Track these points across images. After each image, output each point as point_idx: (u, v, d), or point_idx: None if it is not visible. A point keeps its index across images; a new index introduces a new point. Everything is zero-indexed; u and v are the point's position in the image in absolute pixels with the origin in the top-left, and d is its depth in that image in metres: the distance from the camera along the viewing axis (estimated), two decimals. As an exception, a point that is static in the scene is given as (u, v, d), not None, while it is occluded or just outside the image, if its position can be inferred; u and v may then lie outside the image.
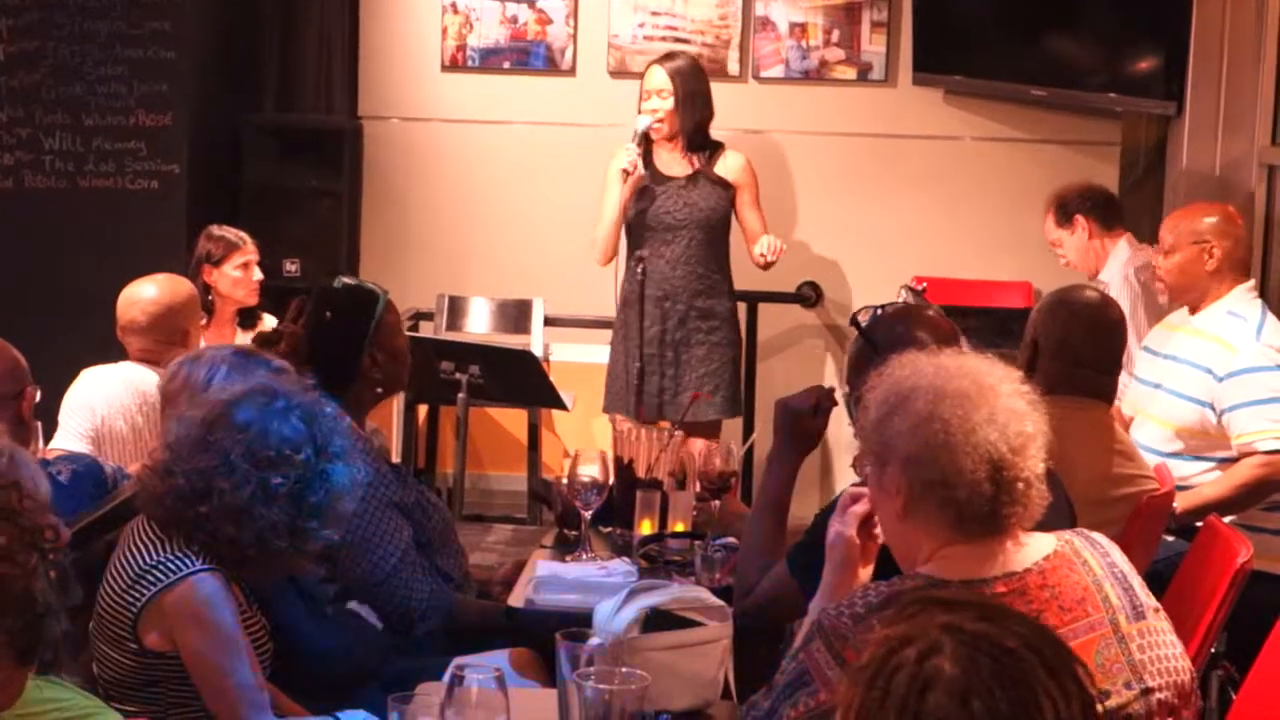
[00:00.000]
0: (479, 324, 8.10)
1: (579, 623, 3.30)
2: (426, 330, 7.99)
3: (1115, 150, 7.97)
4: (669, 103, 6.74)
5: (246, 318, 6.44)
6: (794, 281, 7.84)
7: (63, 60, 7.66)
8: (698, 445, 5.21)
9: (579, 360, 7.80)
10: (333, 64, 8.34)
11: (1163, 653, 2.69)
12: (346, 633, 3.97)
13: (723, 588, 4.00)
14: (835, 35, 8.14)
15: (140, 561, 3.37)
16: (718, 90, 6.94)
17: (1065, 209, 6.69)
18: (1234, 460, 5.22)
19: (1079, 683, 1.90)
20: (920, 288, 7.06)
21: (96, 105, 7.68)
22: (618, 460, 4.85)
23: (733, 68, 8.02)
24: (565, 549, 4.60)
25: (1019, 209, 7.74)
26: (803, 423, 3.96)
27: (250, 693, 3.34)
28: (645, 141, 6.80)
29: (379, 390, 4.49)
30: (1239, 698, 3.78)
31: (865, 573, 2.96)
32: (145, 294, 5.59)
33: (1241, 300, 5.40)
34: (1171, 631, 2.74)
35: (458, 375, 6.34)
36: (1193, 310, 5.48)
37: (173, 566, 3.34)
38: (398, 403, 7.51)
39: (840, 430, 7.29)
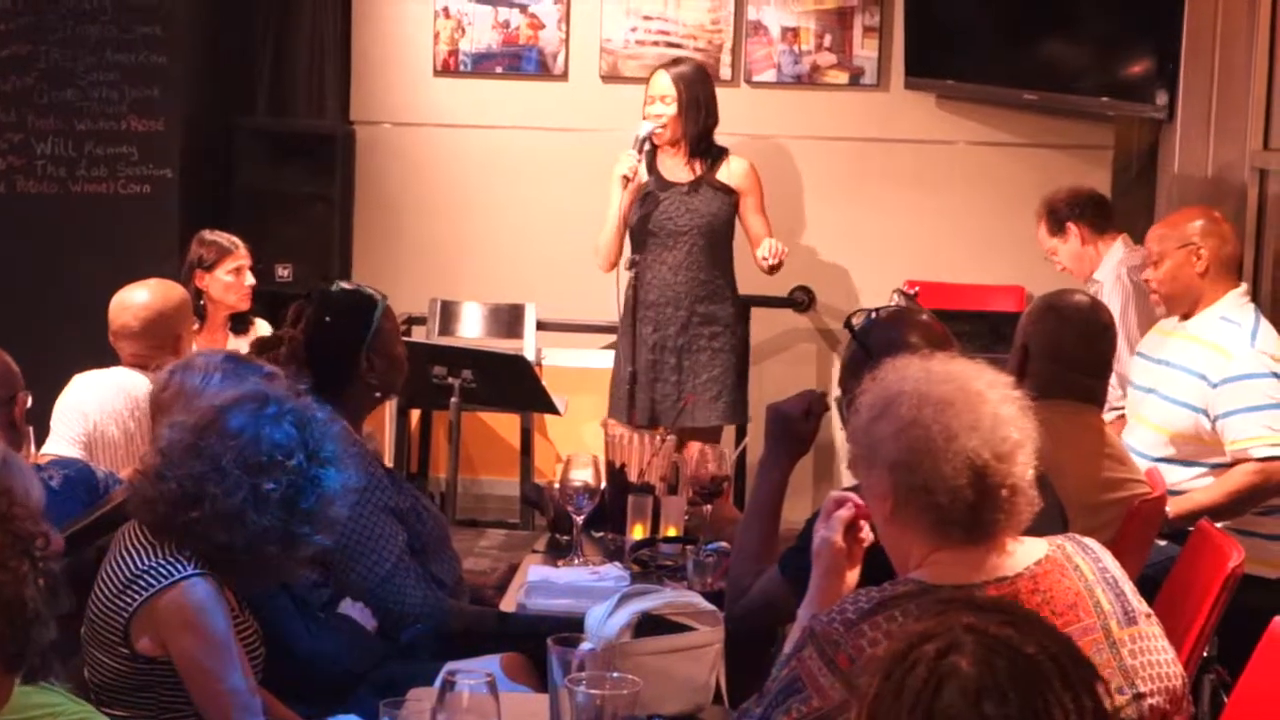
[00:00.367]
0: (471, 329, 8.10)
1: (571, 628, 3.30)
2: (419, 335, 7.99)
3: (1108, 154, 7.98)
4: (672, 108, 6.74)
5: (239, 323, 6.43)
6: (786, 286, 7.84)
7: (54, 65, 7.65)
8: (695, 450, 5.21)
9: (571, 365, 7.80)
10: (325, 68, 8.33)
11: (1154, 658, 2.70)
12: (339, 637, 3.97)
13: (715, 592, 4.00)
14: (827, 40, 8.15)
15: (132, 566, 3.37)
16: (709, 95, 6.94)
17: (1056, 217, 6.69)
18: (1226, 466, 5.22)
19: (1096, 699, 1.90)
20: (913, 292, 7.07)
21: (88, 110, 7.68)
22: (610, 465, 4.85)
23: (725, 72, 8.03)
24: (557, 554, 4.60)
25: (1011, 213, 7.75)
26: (794, 427, 3.97)
27: (242, 697, 3.34)
28: (651, 147, 6.79)
29: (376, 395, 4.51)
30: (1230, 702, 3.78)
31: (852, 575, 2.96)
32: (137, 299, 5.59)
33: (1234, 305, 5.39)
34: (1163, 637, 2.74)
35: (450, 380, 6.34)
36: (1186, 316, 5.47)
37: (164, 571, 3.34)
38: (390, 407, 7.51)
39: (833, 434, 7.30)
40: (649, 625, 3.33)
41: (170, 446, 3.43)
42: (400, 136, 8.39)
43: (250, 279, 6.44)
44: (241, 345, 6.13)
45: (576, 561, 4.44)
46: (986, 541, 2.68)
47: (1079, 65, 7.66)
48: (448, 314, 8.09)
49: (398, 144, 8.40)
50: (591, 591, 4.05)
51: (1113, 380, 5.23)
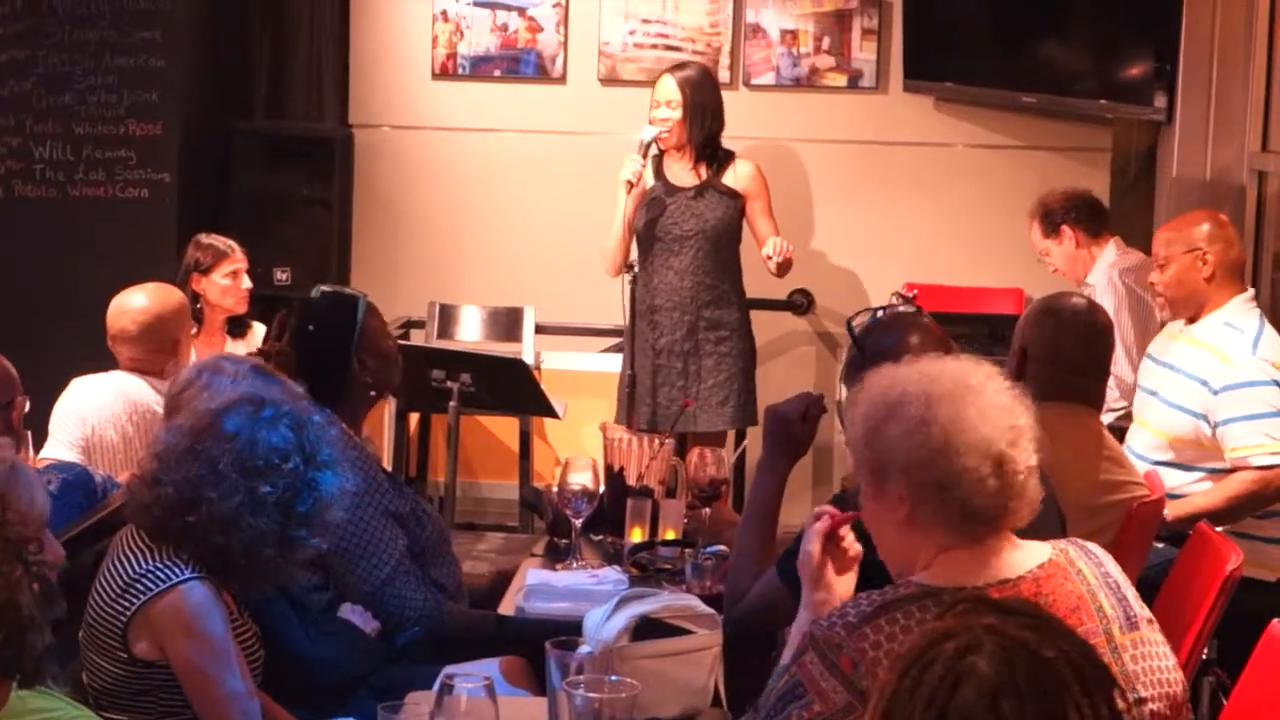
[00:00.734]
0: (470, 332, 8.10)
1: (570, 631, 3.30)
2: (418, 338, 7.98)
3: (1106, 156, 7.98)
4: (677, 113, 6.72)
5: (236, 326, 6.43)
6: (785, 289, 7.83)
7: (53, 69, 7.66)
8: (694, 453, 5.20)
9: (570, 368, 7.79)
10: (323, 72, 8.33)
11: (1156, 664, 2.70)
12: (338, 641, 3.97)
13: (713, 596, 4.00)
14: (826, 42, 8.15)
15: (129, 570, 3.37)
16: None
17: (1051, 219, 6.69)
18: (1225, 471, 5.21)
19: (1112, 705, 1.90)
20: (911, 294, 7.07)
21: (87, 114, 7.68)
22: (608, 468, 4.85)
23: (723, 75, 8.02)
24: (556, 557, 4.61)
25: (1010, 216, 7.74)
26: (792, 429, 3.97)
27: (241, 701, 3.34)
28: (658, 152, 6.79)
29: (372, 394, 4.52)
30: (1229, 705, 3.78)
31: (846, 581, 2.95)
32: (135, 303, 5.59)
33: (1239, 311, 5.37)
34: (1164, 643, 2.74)
35: (449, 383, 6.33)
36: (1192, 320, 5.46)
37: (162, 575, 3.34)
38: (389, 411, 7.50)
39: (831, 436, 7.30)
40: (647, 629, 3.33)
41: (167, 450, 3.43)
42: (398, 140, 8.39)
43: (247, 282, 6.44)
44: (239, 349, 6.14)
45: (575, 565, 4.44)
46: (999, 534, 2.69)
47: (1077, 68, 7.66)
48: (446, 317, 8.08)
49: (396, 147, 8.39)
50: (590, 595, 4.05)
51: (1110, 382, 5.23)
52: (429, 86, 8.36)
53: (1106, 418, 5.33)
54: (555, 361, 7.80)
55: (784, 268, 6.70)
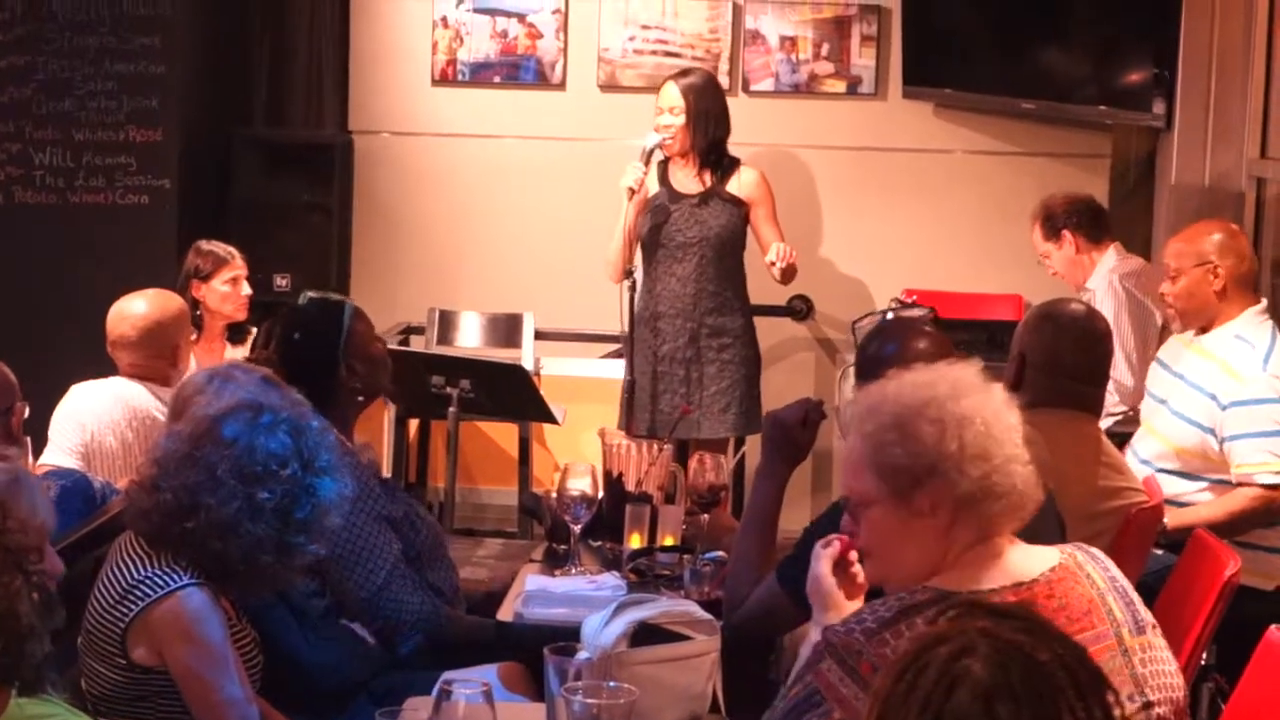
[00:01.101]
0: (470, 338, 8.10)
1: (568, 637, 3.30)
2: (417, 344, 7.98)
3: (1105, 163, 7.98)
4: (680, 119, 6.71)
5: (236, 333, 6.43)
6: (784, 294, 7.84)
7: (53, 75, 7.66)
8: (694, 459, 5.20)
9: (570, 374, 7.80)
10: (323, 78, 8.34)
11: (1162, 668, 2.71)
12: (337, 647, 3.97)
13: (712, 601, 4.00)
14: (825, 49, 8.15)
15: (128, 577, 3.37)
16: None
17: (1052, 223, 6.68)
18: (1228, 483, 5.20)
19: (1106, 708, 1.90)
20: (910, 300, 7.08)
21: (87, 120, 7.68)
22: (607, 474, 4.85)
23: (723, 81, 8.00)
24: (555, 563, 4.60)
25: (1009, 222, 7.75)
26: (791, 435, 3.98)
27: (239, 707, 3.34)
28: (663, 159, 6.79)
29: (360, 399, 4.50)
30: (1226, 711, 3.79)
31: (855, 606, 2.93)
32: (135, 309, 5.59)
33: (1251, 324, 5.32)
34: (1167, 648, 2.75)
35: (448, 389, 6.33)
36: (1203, 330, 5.42)
37: (160, 581, 3.34)
38: (388, 417, 7.51)
39: (831, 442, 7.30)
40: (645, 634, 3.33)
41: (166, 456, 3.43)
42: (398, 146, 8.40)
43: (246, 289, 6.44)
44: (238, 355, 6.13)
45: (574, 571, 4.44)
46: (1007, 535, 2.71)
47: (1076, 74, 7.67)
48: (446, 323, 8.09)
49: (396, 153, 8.40)
50: (589, 601, 4.05)
51: (1110, 387, 5.23)
52: (429, 93, 8.36)
53: (1105, 423, 5.32)
54: (555, 367, 7.80)
55: (788, 274, 6.69)
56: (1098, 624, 2.67)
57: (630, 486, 4.85)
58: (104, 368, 5.60)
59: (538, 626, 4.02)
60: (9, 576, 2.59)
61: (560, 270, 8.16)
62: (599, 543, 4.74)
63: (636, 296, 6.71)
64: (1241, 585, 4.35)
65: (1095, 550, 2.83)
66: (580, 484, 4.48)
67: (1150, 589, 4.34)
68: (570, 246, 8.10)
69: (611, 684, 3.02)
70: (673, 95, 6.74)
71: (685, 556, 4.48)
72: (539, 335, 8.04)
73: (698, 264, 6.73)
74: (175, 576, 3.35)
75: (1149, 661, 2.68)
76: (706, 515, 4.73)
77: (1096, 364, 4.68)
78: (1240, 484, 5.14)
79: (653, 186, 6.79)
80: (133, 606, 3.34)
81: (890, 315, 4.27)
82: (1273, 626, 3.64)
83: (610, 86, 8.24)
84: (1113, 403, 5.89)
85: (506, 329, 8.07)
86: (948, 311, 6.99)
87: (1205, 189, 7.15)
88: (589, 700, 2.92)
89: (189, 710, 3.35)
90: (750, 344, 6.88)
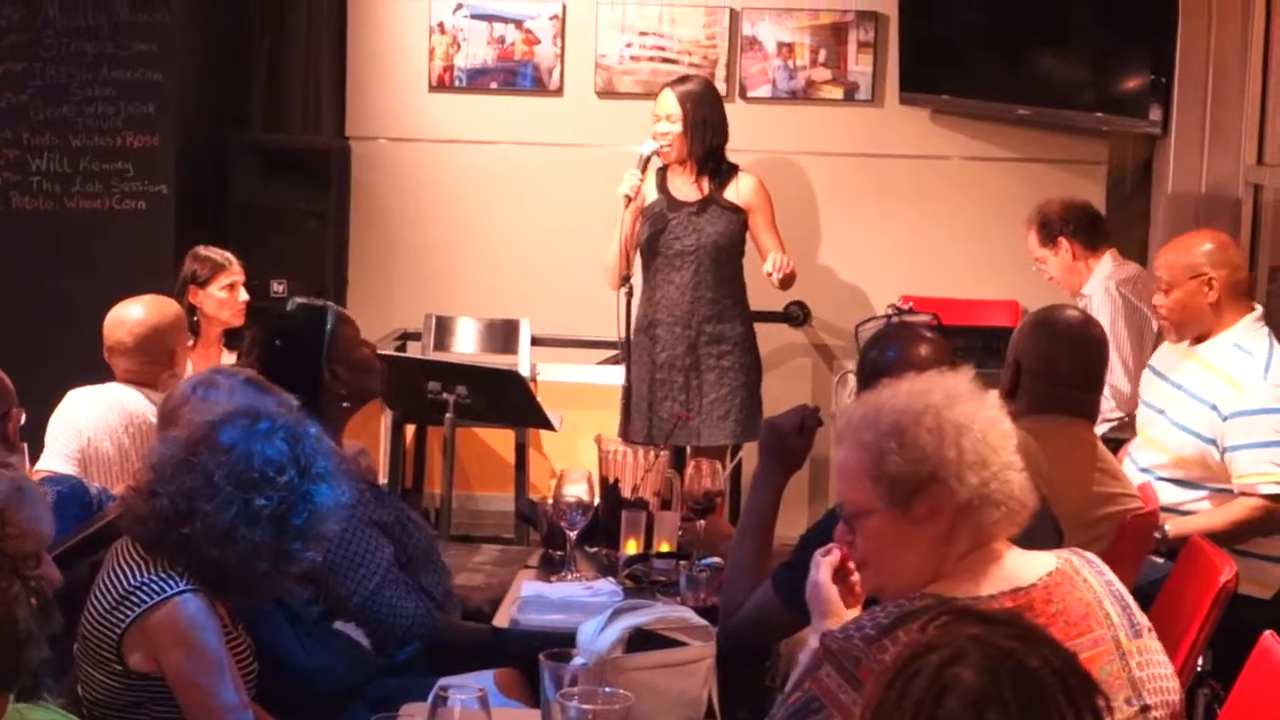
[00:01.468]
0: (466, 344, 8.10)
1: (564, 643, 3.30)
2: (414, 350, 7.99)
3: (1102, 169, 8.00)
4: (677, 126, 6.70)
5: (233, 339, 6.43)
6: (781, 301, 7.84)
7: (50, 81, 7.66)
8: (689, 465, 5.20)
9: (567, 380, 7.79)
10: (320, 84, 8.35)
11: (1158, 671, 2.71)
12: (332, 652, 3.97)
13: (708, 608, 4.00)
14: (822, 55, 8.16)
15: (124, 583, 3.37)
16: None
17: (1049, 229, 6.67)
18: (1229, 491, 5.19)
19: (1096, 713, 1.91)
20: (907, 307, 7.09)
21: (84, 126, 7.69)
22: (603, 480, 4.85)
23: (720, 88, 8.01)
24: (551, 569, 4.60)
25: (1006, 228, 7.75)
26: (787, 442, 3.98)
27: (235, 713, 3.34)
28: (661, 166, 6.79)
29: (345, 405, 4.46)
30: (1221, 715, 3.79)
31: (853, 615, 2.93)
32: (132, 315, 5.59)
33: (1248, 332, 5.31)
34: (1163, 652, 2.76)
35: (445, 395, 6.34)
36: (1199, 339, 5.40)
37: (156, 588, 3.34)
38: (385, 423, 7.51)
39: (827, 449, 7.28)
40: (641, 640, 3.33)
41: (162, 462, 3.43)
42: (395, 152, 8.40)
43: (244, 295, 6.45)
44: (234, 361, 6.13)
45: (570, 577, 4.44)
46: (1003, 540, 2.72)
47: (1073, 80, 7.68)
48: (443, 329, 8.09)
49: (393, 159, 8.40)
50: (585, 607, 4.05)
51: (1106, 393, 5.23)
52: (426, 99, 8.37)
53: (1101, 429, 5.33)
54: (551, 374, 7.81)
55: (786, 281, 6.70)
56: (1095, 628, 2.68)
57: (626, 493, 4.84)
58: (101, 374, 5.61)
59: (534, 632, 4.02)
60: (6, 582, 2.59)
61: (557, 276, 8.17)
62: (595, 549, 4.74)
63: (634, 304, 6.72)
64: (1240, 594, 4.36)
65: (1091, 555, 2.84)
66: (576, 490, 4.48)
67: (1147, 596, 4.35)
68: (567, 253, 8.10)
69: (607, 690, 3.02)
70: (670, 103, 6.73)
71: (681, 563, 4.49)
72: (536, 341, 8.04)
73: (695, 272, 6.73)
74: (171, 583, 3.35)
75: (1146, 665, 2.69)
76: (703, 522, 4.72)
77: (1092, 370, 4.69)
78: (1243, 494, 5.13)
79: (651, 194, 6.79)
80: (129, 612, 3.34)
81: (893, 320, 4.28)
82: (1268, 632, 3.64)
83: (607, 93, 8.24)
84: (1109, 409, 5.89)
85: (503, 335, 8.08)
86: (944, 318, 7.01)
87: (1202, 195, 7.16)
88: (584, 706, 2.93)
89: (185, 716, 3.35)
90: (750, 351, 6.87)
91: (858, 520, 2.77)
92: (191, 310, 6.25)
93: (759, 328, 7.27)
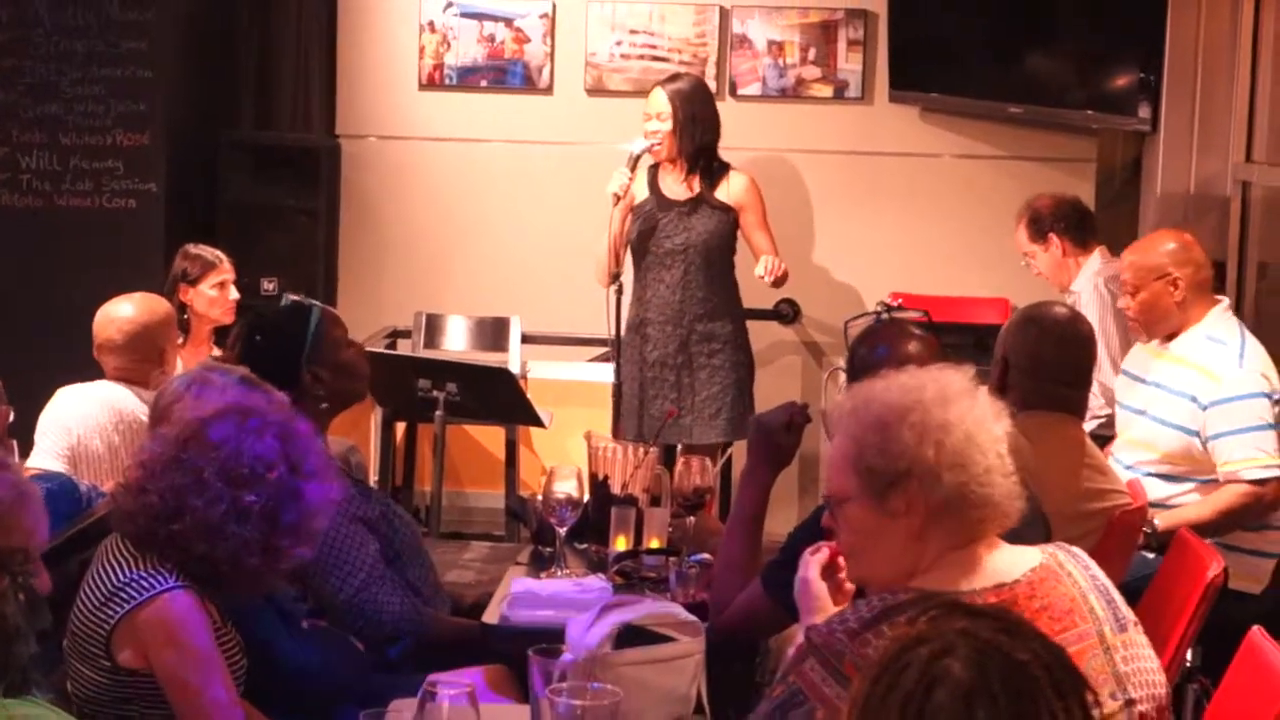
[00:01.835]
0: (456, 342, 8.10)
1: (553, 639, 3.30)
2: (404, 348, 7.99)
3: (1091, 166, 8.00)
4: (667, 125, 6.71)
5: (223, 337, 6.42)
6: (772, 298, 7.84)
7: (40, 79, 7.66)
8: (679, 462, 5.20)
9: (556, 378, 7.80)
10: (310, 82, 8.35)
11: (1144, 665, 2.72)
12: (322, 649, 3.96)
13: (697, 604, 4.01)
14: (812, 53, 8.17)
15: (113, 579, 3.37)
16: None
17: (1039, 226, 6.67)
18: (1214, 481, 5.21)
19: (1084, 708, 1.91)
20: (897, 304, 7.09)
21: (74, 124, 7.69)
22: (593, 477, 4.86)
23: (710, 86, 8.02)
24: (540, 565, 4.60)
25: (996, 225, 7.76)
26: (776, 439, 3.99)
27: (224, 710, 3.34)
28: (651, 164, 6.79)
29: (324, 406, 4.42)
30: (1209, 711, 3.80)
31: None
32: (122, 313, 5.60)
33: (1219, 323, 5.36)
34: (1149, 646, 2.76)
35: (435, 393, 6.34)
36: (1170, 337, 5.45)
37: (146, 584, 3.34)
38: (375, 420, 7.51)
39: (817, 446, 7.30)
40: (630, 636, 3.34)
41: (152, 459, 3.43)
42: (385, 150, 8.40)
43: (234, 293, 6.45)
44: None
45: (559, 573, 4.44)
46: (991, 537, 2.72)
47: (1063, 78, 7.68)
48: (433, 327, 8.09)
49: (383, 157, 8.40)
50: (574, 603, 4.05)
51: (1095, 389, 5.24)
52: (416, 97, 8.37)
53: (1089, 425, 5.34)
54: (541, 371, 7.81)
55: (778, 282, 6.71)
56: (1080, 623, 2.68)
57: (616, 489, 4.84)
58: (90, 371, 5.61)
59: (523, 628, 4.02)
60: (-6, 578, 2.59)
61: (547, 274, 8.17)
62: (585, 545, 4.74)
63: (624, 302, 6.72)
64: (1229, 588, 4.37)
65: (1077, 550, 2.84)
66: (566, 487, 4.48)
67: (1134, 590, 4.36)
68: (557, 250, 8.10)
69: (596, 685, 3.02)
70: (660, 101, 6.74)
71: (671, 559, 4.49)
72: (526, 339, 8.04)
73: (686, 271, 6.73)
74: (161, 579, 3.35)
75: (1131, 659, 2.69)
76: (692, 518, 4.73)
77: (1080, 367, 4.70)
78: (1228, 481, 5.15)
79: (641, 193, 6.79)
80: (118, 609, 3.34)
81: (883, 317, 4.30)
82: (1255, 628, 3.65)
83: (597, 91, 8.24)
84: (1097, 405, 5.90)
85: (493, 333, 8.08)
86: (934, 315, 7.02)
87: (1191, 193, 7.17)
88: (573, 702, 2.92)
89: (174, 713, 3.35)
90: (741, 349, 6.88)
91: (839, 507, 2.80)
92: (182, 308, 6.25)
93: (749, 325, 7.29)
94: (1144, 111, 7.13)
